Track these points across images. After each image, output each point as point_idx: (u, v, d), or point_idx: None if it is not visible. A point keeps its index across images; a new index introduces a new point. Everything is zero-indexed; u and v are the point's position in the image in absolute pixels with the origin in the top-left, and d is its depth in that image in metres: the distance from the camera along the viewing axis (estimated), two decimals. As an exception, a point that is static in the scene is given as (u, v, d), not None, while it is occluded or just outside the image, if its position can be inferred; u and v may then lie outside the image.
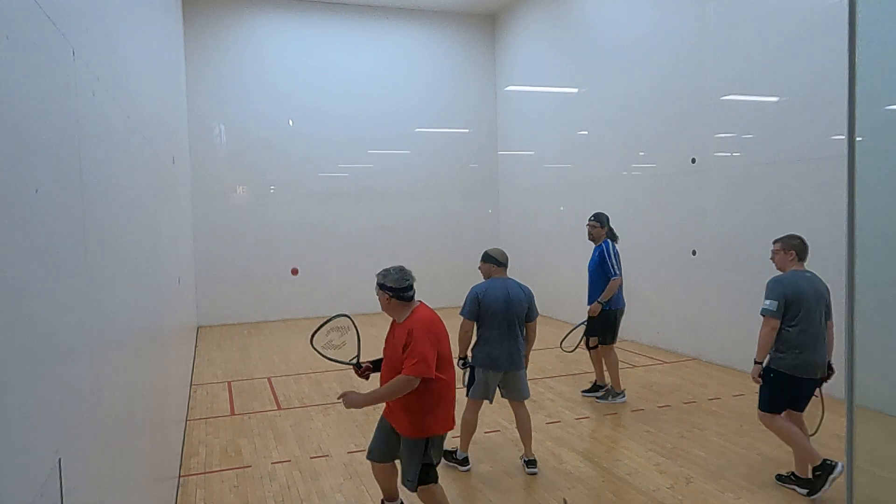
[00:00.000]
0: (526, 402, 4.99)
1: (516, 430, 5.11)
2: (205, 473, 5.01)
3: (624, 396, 6.59)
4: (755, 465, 4.91)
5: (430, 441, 3.61)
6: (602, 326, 6.44)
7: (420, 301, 3.74)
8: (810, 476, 4.37)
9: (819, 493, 4.24)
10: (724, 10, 7.76)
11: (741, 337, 7.13)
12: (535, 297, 4.99)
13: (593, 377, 6.88)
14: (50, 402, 1.48)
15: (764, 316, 4.31)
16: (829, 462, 4.26)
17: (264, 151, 12.20)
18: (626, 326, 9.46)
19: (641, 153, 9.49)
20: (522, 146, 12.93)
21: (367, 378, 3.98)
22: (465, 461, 4.94)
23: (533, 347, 5.06)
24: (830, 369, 4.39)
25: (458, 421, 4.07)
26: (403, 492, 3.97)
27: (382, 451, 3.85)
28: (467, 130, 13.67)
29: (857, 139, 2.09)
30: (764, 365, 4.41)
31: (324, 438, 5.72)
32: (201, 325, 11.80)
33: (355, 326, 4.05)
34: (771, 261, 4.54)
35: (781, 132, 7.06)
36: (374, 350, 4.35)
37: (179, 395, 5.88)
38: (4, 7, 1.29)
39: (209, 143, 11.94)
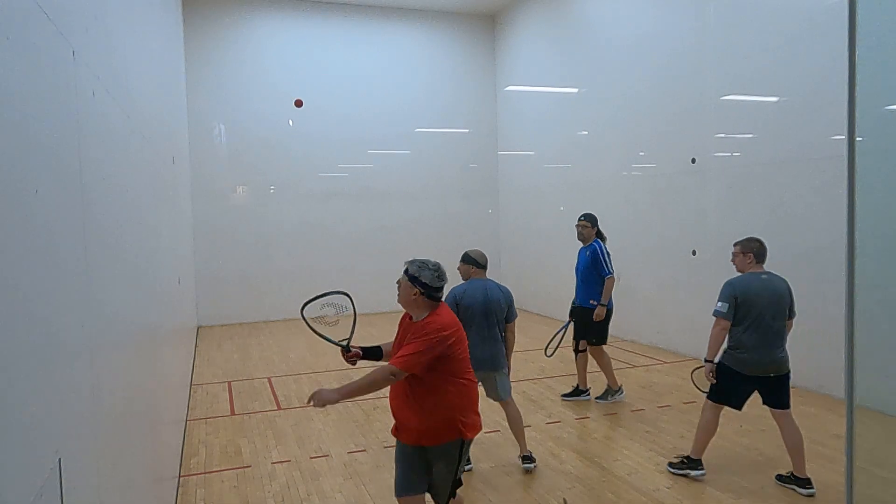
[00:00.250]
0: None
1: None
2: (205, 473, 5.02)
3: (623, 392, 6.59)
4: (755, 465, 4.91)
5: (464, 444, 3.28)
6: (596, 327, 6.42)
7: (442, 301, 3.41)
8: (810, 476, 4.40)
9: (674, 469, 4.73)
10: (724, 10, 7.76)
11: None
12: (514, 299, 4.99)
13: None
14: (50, 402, 1.48)
15: (715, 317, 4.52)
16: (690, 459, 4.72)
17: (264, 151, 12.20)
18: (626, 326, 9.50)
19: (641, 153, 9.49)
20: (522, 146, 12.93)
21: (354, 364, 3.55)
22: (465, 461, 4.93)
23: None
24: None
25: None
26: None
27: (418, 479, 3.34)
28: (467, 130, 13.67)
29: (857, 139, 2.08)
30: (715, 361, 4.62)
31: (324, 438, 5.72)
32: (201, 325, 11.80)
33: (354, 308, 3.63)
34: (732, 263, 4.69)
35: (781, 132, 7.06)
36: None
37: (179, 395, 5.89)
38: (4, 7, 1.29)
39: (209, 143, 11.94)
